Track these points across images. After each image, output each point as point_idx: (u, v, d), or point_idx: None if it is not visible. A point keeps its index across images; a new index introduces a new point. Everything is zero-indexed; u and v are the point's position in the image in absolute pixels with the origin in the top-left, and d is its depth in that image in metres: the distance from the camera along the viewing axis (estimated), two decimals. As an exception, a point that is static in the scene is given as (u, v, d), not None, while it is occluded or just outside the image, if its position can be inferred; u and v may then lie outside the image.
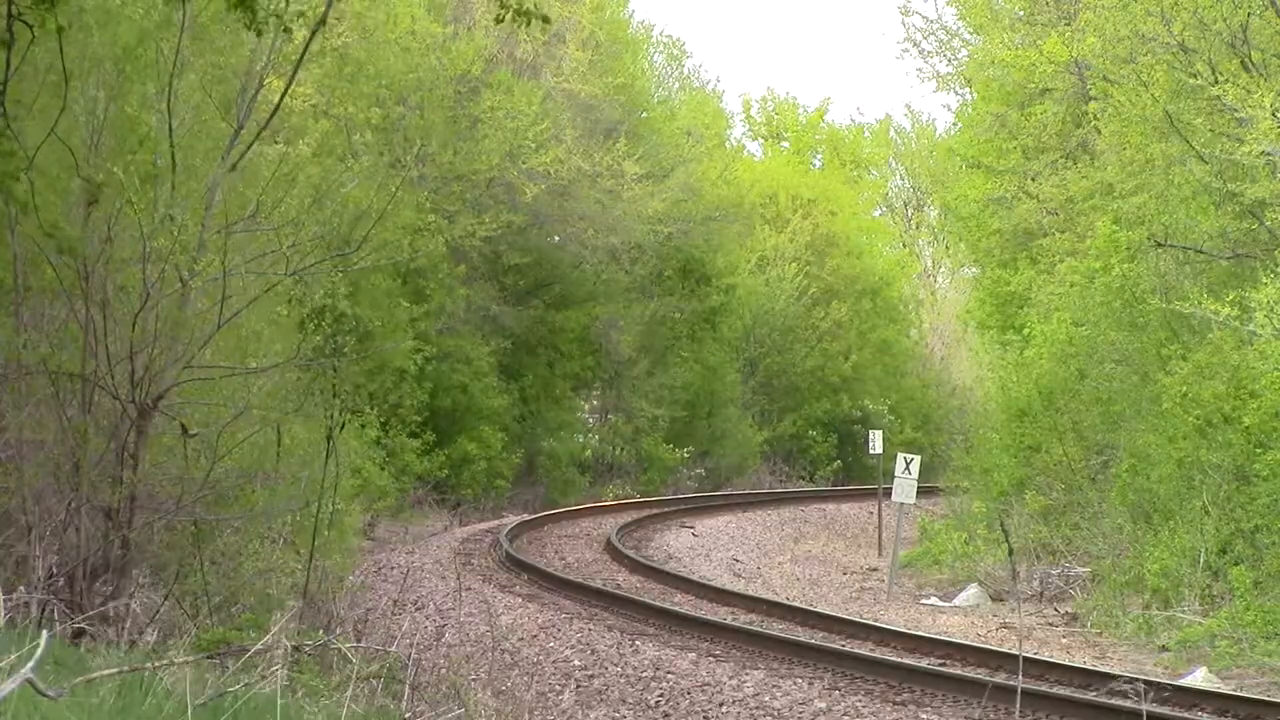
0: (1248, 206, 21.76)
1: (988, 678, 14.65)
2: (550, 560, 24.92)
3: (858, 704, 13.73)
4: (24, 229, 10.60)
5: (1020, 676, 12.79)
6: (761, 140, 68.68)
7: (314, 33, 11.23)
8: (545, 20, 8.94)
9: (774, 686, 14.42)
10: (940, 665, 15.86)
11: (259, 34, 8.68)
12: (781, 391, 52.13)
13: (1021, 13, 32.47)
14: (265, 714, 8.43)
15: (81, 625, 11.54)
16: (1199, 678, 15.62)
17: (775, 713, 13.61)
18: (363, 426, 21.96)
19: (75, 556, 12.28)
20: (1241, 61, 22.04)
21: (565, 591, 20.90)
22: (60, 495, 12.53)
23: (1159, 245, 22.76)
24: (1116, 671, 15.41)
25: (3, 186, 7.81)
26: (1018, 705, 12.26)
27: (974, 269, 45.54)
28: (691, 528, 31.76)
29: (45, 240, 11.17)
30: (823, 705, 13.68)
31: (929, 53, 35.39)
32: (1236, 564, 18.66)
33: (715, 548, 29.13)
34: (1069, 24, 28.50)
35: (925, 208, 70.30)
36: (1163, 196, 23.59)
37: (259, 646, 9.75)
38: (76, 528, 12.35)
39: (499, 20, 8.97)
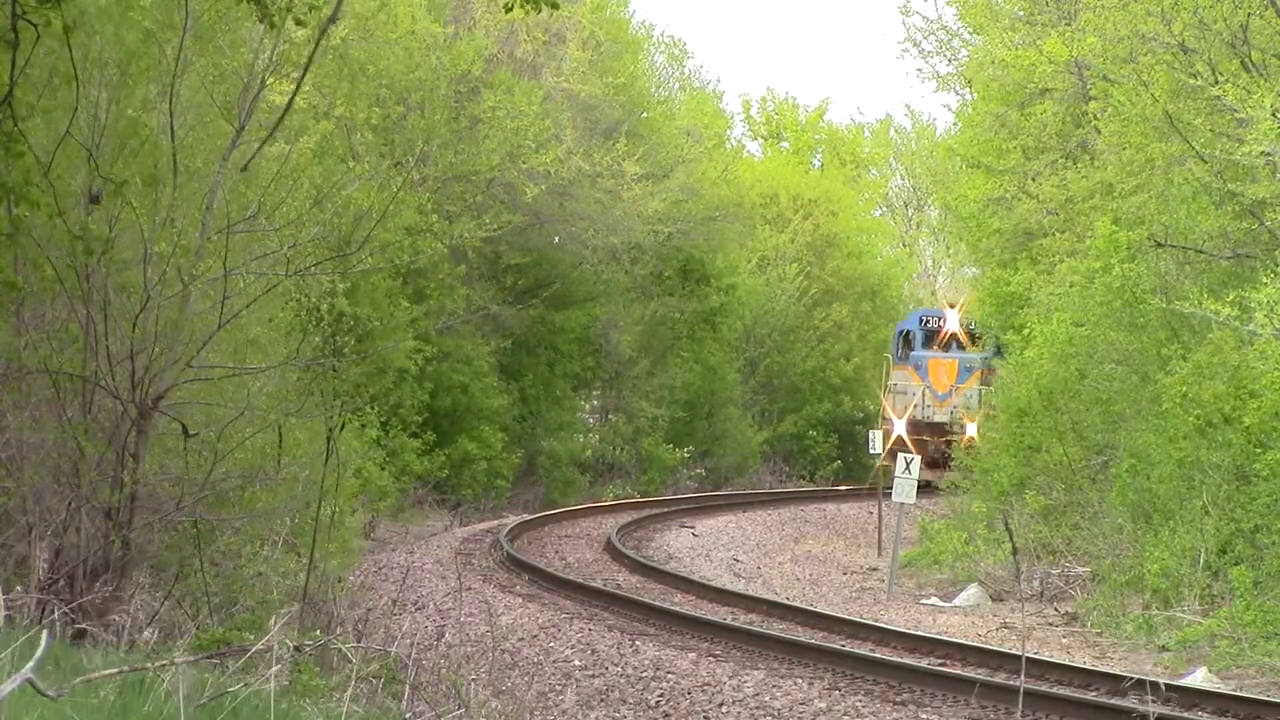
0: (1248, 206, 21.75)
1: (988, 678, 14.66)
2: (550, 560, 24.91)
3: (858, 704, 13.74)
4: (28, 230, 10.58)
5: (1022, 676, 12.79)
6: (761, 140, 68.69)
7: (323, 31, 11.22)
8: (554, 6, 8.88)
9: (774, 686, 14.43)
10: (940, 665, 15.87)
11: (272, 25, 8.67)
12: (782, 392, 52.12)
13: (1021, 13, 32.46)
14: (265, 714, 8.43)
15: (81, 625, 11.55)
16: (1199, 678, 15.62)
17: (775, 713, 13.61)
18: (363, 427, 21.96)
19: (75, 556, 12.29)
20: (1241, 61, 22.04)
21: (565, 591, 20.90)
22: (60, 495, 12.54)
23: (1159, 245, 22.75)
24: (1118, 672, 15.42)
25: (16, 189, 7.80)
26: (1019, 705, 12.26)
27: (974, 269, 45.57)
28: (691, 528, 31.75)
29: (72, 242, 11.18)
30: (823, 705, 13.69)
31: (929, 53, 35.41)
32: (1236, 564, 18.66)
33: (715, 548, 29.12)
34: (1069, 24, 28.49)
35: (925, 208, 70.33)
36: (1163, 196, 23.58)
37: (259, 646, 9.75)
38: (76, 528, 12.36)
39: (508, 9, 8.92)
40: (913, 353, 39.91)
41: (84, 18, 11.33)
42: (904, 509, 25.69)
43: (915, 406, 38.51)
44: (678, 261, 44.96)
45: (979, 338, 39.32)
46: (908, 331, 40.92)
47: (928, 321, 40.68)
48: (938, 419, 38.80)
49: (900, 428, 37.71)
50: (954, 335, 39.80)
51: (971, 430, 34.55)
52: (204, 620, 12.71)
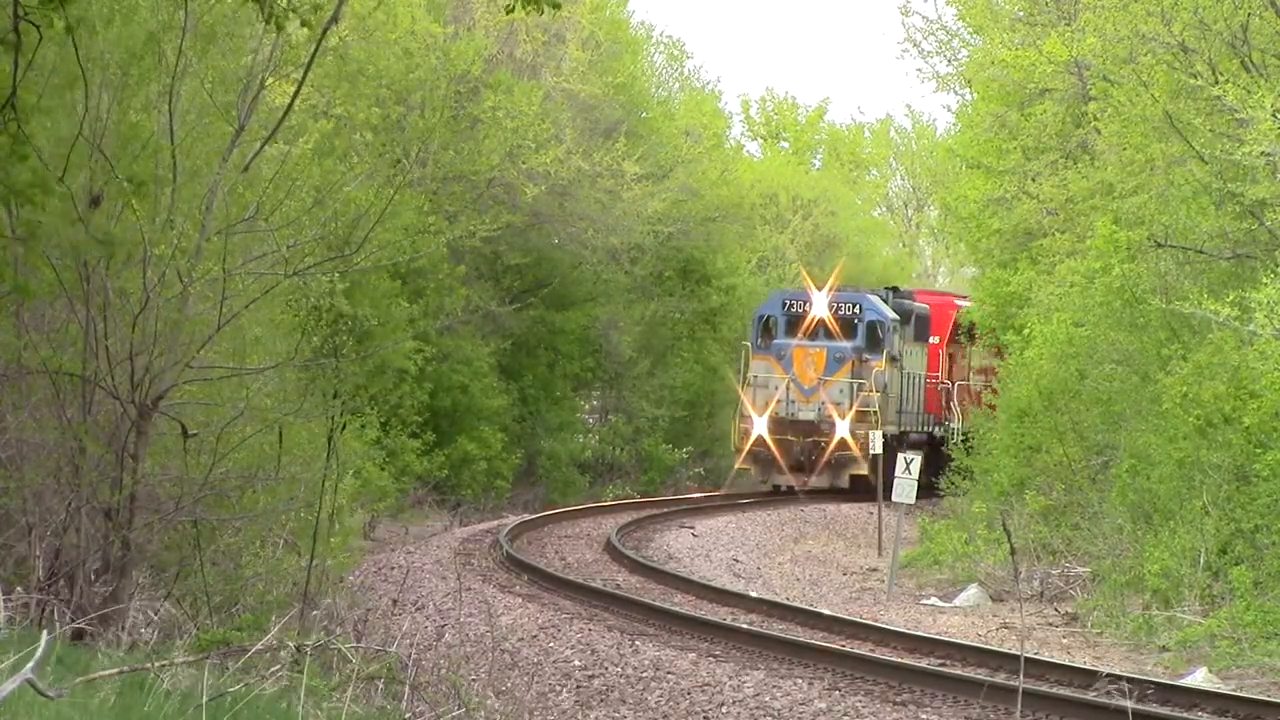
0: (1248, 206, 21.76)
1: (987, 678, 14.66)
2: (550, 560, 24.90)
3: (858, 704, 13.74)
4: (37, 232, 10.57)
5: (1021, 677, 12.78)
6: (760, 140, 68.71)
7: (325, 30, 11.21)
8: (556, 7, 8.85)
9: (774, 687, 14.43)
10: (940, 666, 15.86)
11: (280, 28, 8.66)
12: (782, 392, 52.12)
13: (1021, 13, 32.51)
14: (265, 714, 8.44)
15: (81, 625, 11.55)
16: (1199, 678, 15.62)
17: (775, 713, 13.62)
18: (363, 427, 21.96)
19: (75, 556, 12.30)
20: (1241, 62, 22.06)
21: (565, 592, 20.88)
22: (60, 495, 12.55)
23: (1159, 245, 22.77)
24: (1118, 672, 15.41)
25: (23, 191, 7.79)
26: (1019, 706, 12.26)
27: (974, 269, 45.53)
28: (691, 528, 31.70)
29: (95, 246, 11.17)
30: (823, 706, 13.69)
31: (929, 53, 35.49)
32: (1236, 564, 18.67)
33: (715, 548, 29.09)
34: (1069, 24, 28.53)
35: (925, 208, 70.37)
36: (1163, 196, 23.59)
37: (259, 647, 9.77)
38: (76, 528, 12.37)
39: (509, 10, 8.89)
40: (774, 341, 35.34)
41: (86, 20, 11.33)
42: (904, 509, 25.66)
43: (779, 402, 34.71)
44: (678, 262, 44.97)
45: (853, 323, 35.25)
46: (768, 317, 35.98)
47: (791, 305, 35.81)
48: (804, 416, 34.74)
49: (761, 426, 34.38)
50: (821, 321, 35.30)
51: (843, 429, 31.48)
52: (204, 620, 12.72)
